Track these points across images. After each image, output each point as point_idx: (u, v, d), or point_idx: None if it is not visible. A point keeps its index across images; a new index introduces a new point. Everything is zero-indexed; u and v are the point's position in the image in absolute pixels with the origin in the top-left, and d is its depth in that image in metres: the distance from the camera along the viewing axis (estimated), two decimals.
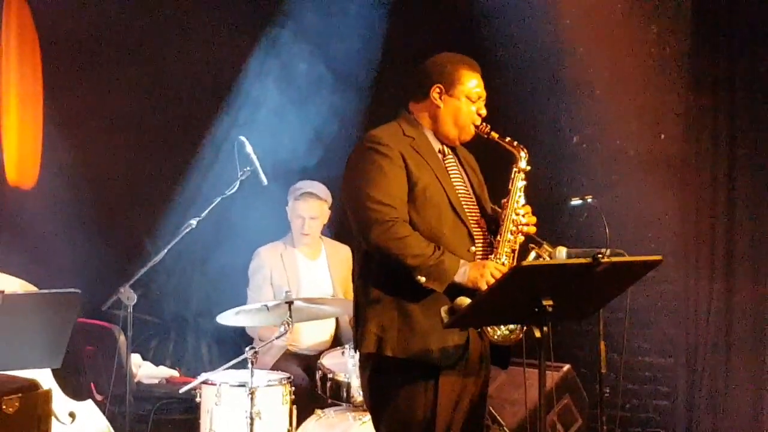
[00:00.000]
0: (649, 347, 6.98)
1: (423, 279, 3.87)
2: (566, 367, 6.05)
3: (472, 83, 4.11)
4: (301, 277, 5.92)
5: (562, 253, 4.13)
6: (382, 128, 4.12)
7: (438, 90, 4.10)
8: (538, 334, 3.68)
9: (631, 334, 6.81)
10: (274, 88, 6.88)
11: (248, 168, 5.50)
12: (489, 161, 4.35)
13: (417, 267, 3.86)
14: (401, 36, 7.05)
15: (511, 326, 3.99)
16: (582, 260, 3.65)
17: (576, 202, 4.46)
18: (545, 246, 4.17)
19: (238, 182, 5.52)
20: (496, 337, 3.98)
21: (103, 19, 6.79)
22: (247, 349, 5.25)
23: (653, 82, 6.91)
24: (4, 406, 3.25)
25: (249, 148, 5.51)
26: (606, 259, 3.60)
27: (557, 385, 5.89)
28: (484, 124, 4.13)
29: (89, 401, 5.13)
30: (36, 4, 6.79)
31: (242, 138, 5.54)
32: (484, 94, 4.15)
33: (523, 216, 4.08)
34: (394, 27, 7.11)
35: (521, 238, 4.07)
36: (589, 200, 4.41)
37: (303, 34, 6.98)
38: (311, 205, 5.95)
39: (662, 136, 6.91)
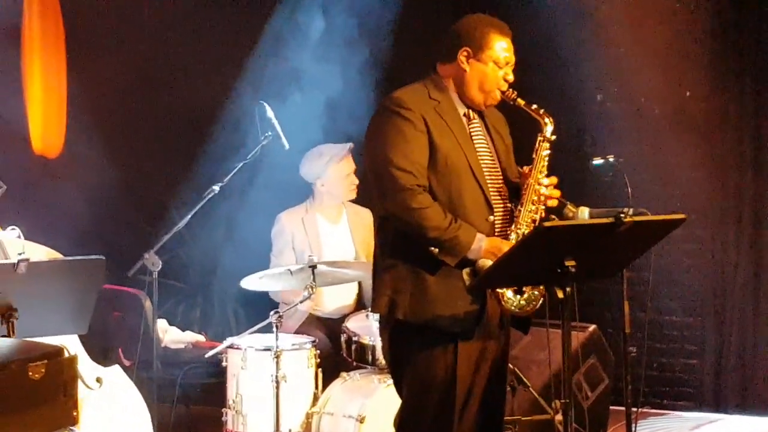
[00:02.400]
0: (676, 306, 6.97)
1: (436, 251, 3.86)
2: (592, 327, 6.04)
3: (500, 48, 4.03)
4: (322, 241, 5.91)
5: (584, 213, 4.12)
6: (406, 89, 4.06)
7: (465, 53, 4.02)
8: (560, 294, 3.68)
9: (657, 293, 6.80)
10: (293, 52, 6.85)
11: (269, 133, 5.51)
12: (517, 124, 4.30)
13: (433, 239, 3.85)
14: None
15: (527, 296, 3.98)
16: (604, 220, 3.64)
17: (598, 162, 4.44)
18: (568, 206, 4.15)
19: (259, 147, 5.53)
20: (512, 307, 3.97)
21: None
22: (271, 313, 5.27)
23: (678, 40, 6.85)
24: (30, 373, 3.28)
25: (270, 113, 5.52)
26: (628, 219, 3.59)
27: (583, 345, 5.88)
28: (511, 90, 4.06)
29: (116, 366, 5.15)
30: None
31: (263, 103, 5.54)
32: (512, 59, 4.07)
33: (547, 187, 4.02)
34: None
35: (543, 209, 4.03)
36: (611, 160, 4.40)
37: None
38: (351, 161, 5.93)
39: (687, 93, 6.86)
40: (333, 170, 5.88)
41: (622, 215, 3.58)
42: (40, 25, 6.95)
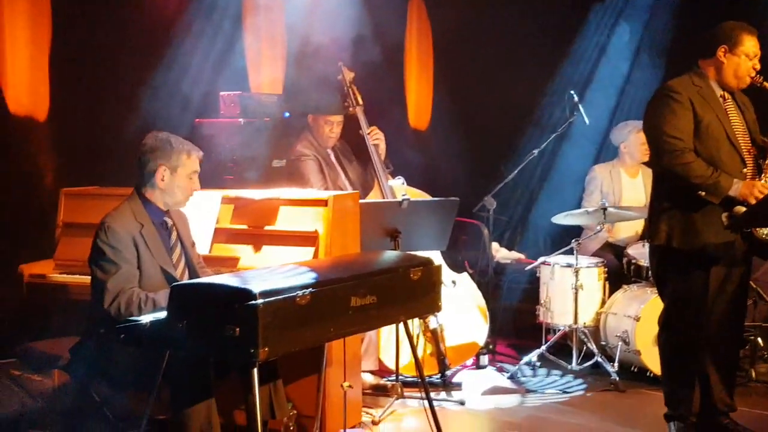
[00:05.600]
0: None
1: (703, 194, 3.69)
2: None
3: (750, 44, 3.82)
4: (623, 188, 5.67)
5: None
6: (675, 80, 3.90)
7: (723, 50, 3.82)
8: None
9: None
10: (598, 54, 6.64)
11: (575, 113, 5.40)
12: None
13: (698, 185, 3.68)
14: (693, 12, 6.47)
15: None
16: None
17: None
18: None
19: (567, 123, 5.45)
20: (764, 236, 3.73)
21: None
22: (572, 241, 5.18)
23: None
24: (411, 275, 3.36)
25: (576, 99, 5.41)
26: None
27: None
28: (758, 75, 3.84)
29: (464, 273, 5.24)
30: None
31: (572, 92, 5.45)
32: (759, 52, 3.85)
33: None
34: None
35: None
36: None
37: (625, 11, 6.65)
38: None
39: None
40: (633, 137, 5.61)
41: None
42: (416, 38, 7.12)
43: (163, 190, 3.57)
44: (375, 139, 5.01)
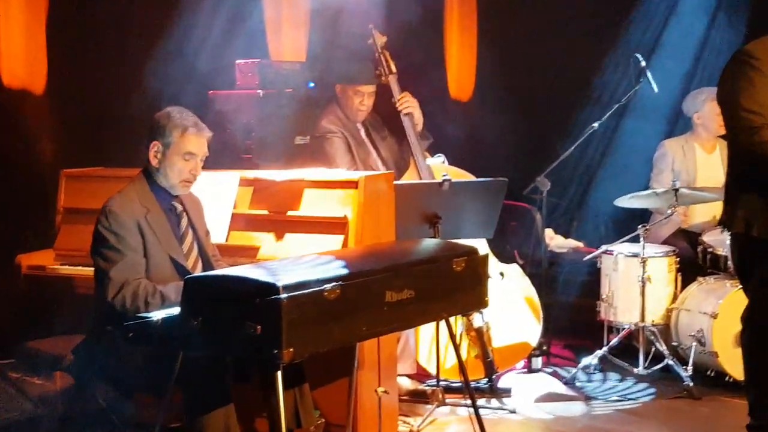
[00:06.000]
0: None
1: None
2: None
3: None
4: (698, 166, 5.61)
5: None
6: (756, 42, 3.71)
7: None
8: None
9: None
10: (667, 14, 6.56)
11: (642, 80, 5.32)
12: None
13: None
14: None
15: None
16: None
17: None
18: None
19: (633, 91, 5.40)
20: None
21: None
22: (639, 226, 5.14)
23: None
24: (454, 266, 3.35)
25: (643, 63, 5.33)
26: None
27: None
28: None
29: (514, 264, 5.23)
30: None
31: (638, 55, 5.38)
32: None
33: None
34: None
35: None
36: None
37: None
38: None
39: None
40: (708, 106, 5.54)
41: None
42: (458, 15, 7.11)
43: (157, 169, 3.60)
44: (406, 106, 4.91)
